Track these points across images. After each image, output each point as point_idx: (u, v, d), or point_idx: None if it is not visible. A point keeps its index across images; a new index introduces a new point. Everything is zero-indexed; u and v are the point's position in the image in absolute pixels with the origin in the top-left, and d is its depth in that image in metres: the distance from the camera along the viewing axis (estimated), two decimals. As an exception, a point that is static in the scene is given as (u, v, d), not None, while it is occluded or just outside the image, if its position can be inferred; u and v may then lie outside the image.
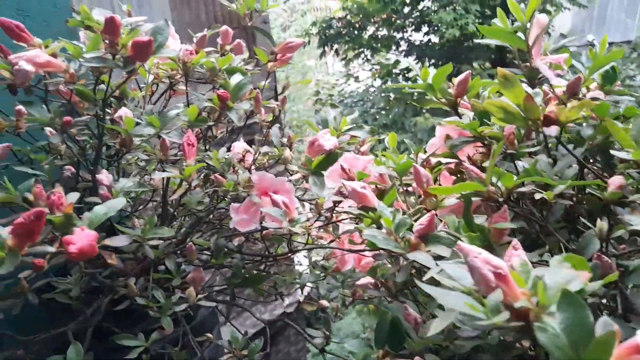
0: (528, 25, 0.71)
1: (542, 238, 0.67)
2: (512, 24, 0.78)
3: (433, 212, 0.58)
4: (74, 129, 0.76)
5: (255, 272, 0.94)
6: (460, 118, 0.86)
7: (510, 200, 0.61)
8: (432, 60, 5.54)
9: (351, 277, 1.12)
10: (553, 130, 0.52)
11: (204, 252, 0.97)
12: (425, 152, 0.94)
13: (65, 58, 0.77)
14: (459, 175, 0.94)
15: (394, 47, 5.59)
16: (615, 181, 0.53)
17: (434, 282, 0.49)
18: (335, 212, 0.97)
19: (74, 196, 0.53)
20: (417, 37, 5.64)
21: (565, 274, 0.38)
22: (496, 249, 0.53)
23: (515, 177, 0.58)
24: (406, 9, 5.43)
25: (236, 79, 0.77)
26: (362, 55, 5.72)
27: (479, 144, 0.87)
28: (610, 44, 8.49)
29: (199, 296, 0.80)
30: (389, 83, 5.69)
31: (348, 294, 1.01)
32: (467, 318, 0.38)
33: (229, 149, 0.92)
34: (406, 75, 5.69)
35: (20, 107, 0.89)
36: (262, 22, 5.11)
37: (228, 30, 0.97)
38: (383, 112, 5.07)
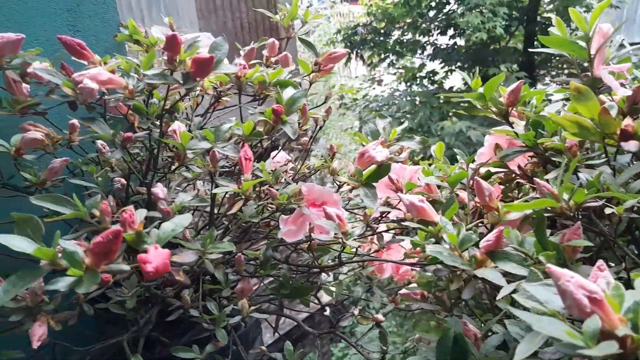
0: (590, 34, 0.69)
1: (611, 250, 0.65)
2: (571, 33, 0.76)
3: (501, 227, 0.57)
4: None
5: (302, 283, 0.94)
6: (512, 127, 0.84)
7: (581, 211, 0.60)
8: (458, 64, 5.49)
9: (388, 287, 1.11)
10: (632, 145, 0.50)
11: (249, 262, 0.98)
12: (473, 160, 0.93)
13: (121, 74, 0.78)
14: (507, 185, 0.93)
15: (419, 51, 5.55)
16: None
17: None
18: (382, 222, 0.96)
19: (142, 213, 0.53)
20: (443, 41, 5.59)
21: (664, 299, 0.36)
22: (571, 267, 0.52)
23: (585, 192, 0.56)
24: (432, 13, 5.38)
25: (289, 92, 0.77)
26: (388, 60, 5.69)
27: (530, 153, 0.85)
28: (638, 43, 8.30)
29: (252, 308, 0.80)
30: (414, 87, 5.65)
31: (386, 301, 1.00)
32: (561, 346, 0.37)
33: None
34: (432, 78, 5.64)
35: (74, 121, 0.91)
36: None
37: (275, 43, 0.97)
38: (409, 115, 5.03)
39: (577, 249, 0.53)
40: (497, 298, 0.49)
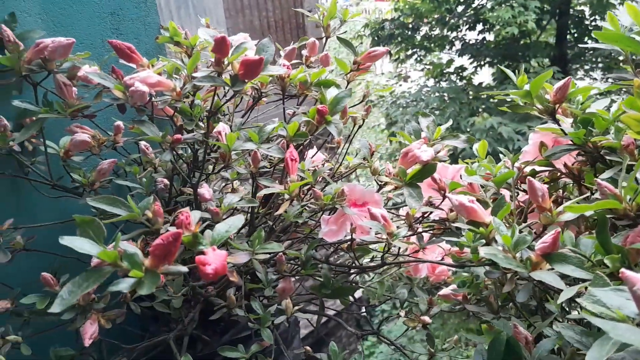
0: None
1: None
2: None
3: (558, 229, 0.55)
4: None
5: (342, 283, 0.93)
6: (559, 125, 0.82)
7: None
8: (487, 59, 5.40)
9: (424, 286, 1.10)
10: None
11: (289, 262, 0.98)
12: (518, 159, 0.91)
13: (166, 76, 0.79)
14: (552, 184, 0.90)
15: (447, 47, 5.48)
16: None
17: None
18: (423, 222, 0.95)
19: (197, 215, 0.54)
20: (472, 36, 5.51)
21: None
22: (636, 270, 0.50)
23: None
24: (460, 8, 5.31)
25: (332, 92, 0.77)
26: (415, 56, 5.64)
27: (576, 152, 0.83)
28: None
29: (296, 307, 0.80)
30: (442, 83, 5.58)
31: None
32: (636, 353, 0.36)
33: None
34: (460, 74, 5.56)
35: (119, 123, 0.92)
36: (315, 27, 5.15)
37: (315, 43, 0.97)
38: (437, 112, 4.98)
39: (640, 252, 0.51)
40: (558, 301, 0.48)
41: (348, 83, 1.09)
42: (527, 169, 0.89)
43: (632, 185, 0.52)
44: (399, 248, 0.85)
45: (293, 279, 0.95)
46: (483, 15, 4.92)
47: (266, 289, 0.88)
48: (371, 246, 0.95)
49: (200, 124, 0.85)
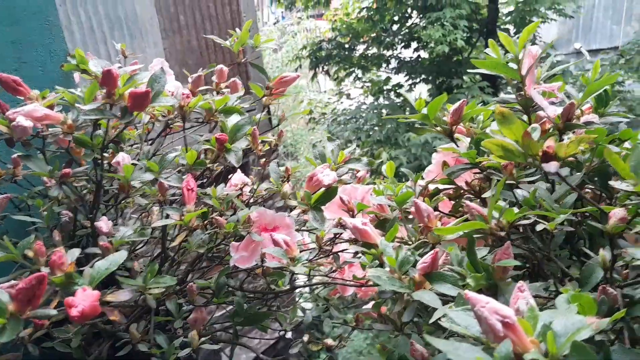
0: (520, 56, 0.72)
1: (545, 264, 0.67)
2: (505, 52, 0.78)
3: (437, 249, 0.58)
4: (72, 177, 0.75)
5: (258, 308, 0.93)
6: (457, 145, 0.86)
7: (513, 228, 0.62)
8: (423, 76, 5.60)
9: (353, 303, 1.11)
10: (552, 167, 0.52)
11: (206, 292, 0.97)
12: (422, 178, 0.94)
13: (63, 106, 0.77)
14: (457, 200, 0.94)
15: (384, 65, 5.64)
16: (617, 214, 0.53)
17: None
18: (336, 242, 0.97)
19: (74, 253, 0.52)
20: (408, 54, 5.70)
21: (574, 320, 0.38)
22: (501, 286, 0.53)
23: (516, 210, 0.58)
24: (395, 27, 5.49)
25: (233, 120, 0.77)
26: (354, 74, 5.77)
27: (477, 170, 0.87)
28: (597, 50, 8.62)
29: (202, 339, 0.79)
30: (381, 100, 5.73)
31: (350, 319, 1.00)
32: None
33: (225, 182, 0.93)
34: (397, 91, 5.73)
35: (15, 155, 0.89)
36: (255, 57, 5.14)
37: (223, 69, 0.98)
38: (376, 128, 5.10)
39: (507, 269, 0.54)
40: (430, 322, 0.50)
41: (264, 107, 1.10)
42: (433, 188, 0.92)
43: (496, 206, 0.55)
44: (309, 271, 0.85)
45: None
46: (417, 34, 5.11)
47: (176, 320, 0.87)
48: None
49: (106, 154, 0.84)
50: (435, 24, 4.67)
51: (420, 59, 5.59)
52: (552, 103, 0.76)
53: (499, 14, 5.34)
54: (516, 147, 0.55)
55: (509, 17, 5.25)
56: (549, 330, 0.37)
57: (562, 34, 8.94)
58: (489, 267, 0.53)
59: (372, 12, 5.27)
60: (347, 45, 5.50)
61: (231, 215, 0.80)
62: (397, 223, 0.68)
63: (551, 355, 0.36)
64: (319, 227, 0.79)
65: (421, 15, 5.12)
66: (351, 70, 5.69)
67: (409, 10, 5.38)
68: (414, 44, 5.50)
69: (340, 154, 0.87)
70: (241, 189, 0.98)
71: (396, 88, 5.65)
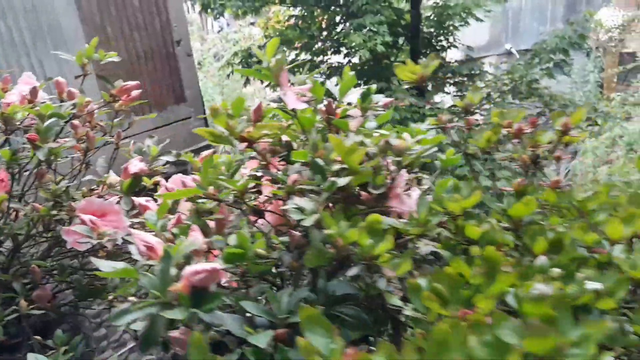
0: (273, 62, 0.90)
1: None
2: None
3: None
4: None
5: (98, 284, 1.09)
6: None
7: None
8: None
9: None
10: (240, 146, 0.71)
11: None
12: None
13: None
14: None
15: (315, 71, 5.85)
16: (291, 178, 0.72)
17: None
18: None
19: None
20: (340, 59, 5.93)
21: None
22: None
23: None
24: (324, 33, 5.72)
25: (47, 123, 0.93)
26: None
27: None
28: (526, 50, 9.15)
29: (32, 307, 0.94)
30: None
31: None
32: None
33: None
34: (331, 95, 5.94)
35: None
36: (187, 55, 5.24)
37: (59, 81, 1.13)
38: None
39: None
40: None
41: (117, 111, 1.26)
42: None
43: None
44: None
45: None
46: (343, 40, 5.35)
47: (19, 298, 1.02)
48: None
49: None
50: (357, 31, 4.92)
51: (351, 64, 5.83)
52: (305, 102, 0.95)
53: (422, 18, 5.66)
54: (222, 132, 0.73)
55: (428, 22, 5.57)
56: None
57: (494, 36, 9.45)
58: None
59: (298, 20, 5.49)
60: (276, 53, 5.69)
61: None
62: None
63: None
64: (128, 210, 0.96)
65: (346, 23, 5.37)
66: (283, 76, 5.87)
67: (337, 17, 5.62)
68: (344, 50, 5.74)
69: (154, 149, 1.04)
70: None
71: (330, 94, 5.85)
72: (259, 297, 0.71)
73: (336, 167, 0.72)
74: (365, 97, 1.04)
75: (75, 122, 1.05)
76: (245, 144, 0.71)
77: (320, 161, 0.72)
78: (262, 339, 0.55)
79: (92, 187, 1.13)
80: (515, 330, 0.41)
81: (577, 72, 7.64)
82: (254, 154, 0.78)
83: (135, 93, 1.25)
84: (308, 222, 0.63)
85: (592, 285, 0.57)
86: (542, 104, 5.79)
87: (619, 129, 5.90)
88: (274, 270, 0.75)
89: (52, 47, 3.53)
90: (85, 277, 1.09)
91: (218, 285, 0.70)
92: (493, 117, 0.87)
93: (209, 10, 5.26)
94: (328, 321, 0.44)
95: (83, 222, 0.92)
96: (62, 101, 1.18)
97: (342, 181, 0.68)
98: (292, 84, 0.97)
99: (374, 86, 1.07)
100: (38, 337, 0.93)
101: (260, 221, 0.81)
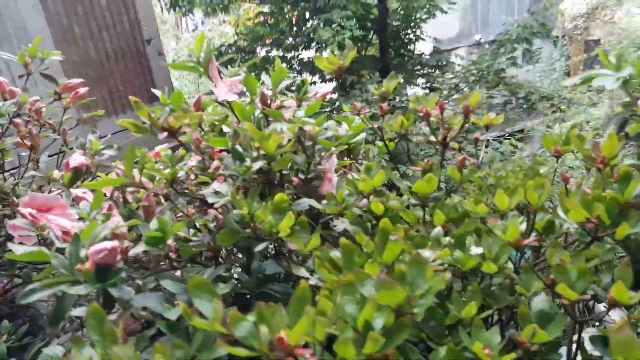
0: (202, 57, 0.94)
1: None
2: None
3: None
4: None
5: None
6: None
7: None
8: (327, 76, 5.89)
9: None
10: (161, 135, 0.75)
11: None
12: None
13: None
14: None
15: (287, 66, 5.88)
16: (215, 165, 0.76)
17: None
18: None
19: None
20: (311, 54, 5.97)
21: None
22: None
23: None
24: (294, 29, 5.75)
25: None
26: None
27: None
28: (493, 41, 9.32)
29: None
30: (289, 100, 5.95)
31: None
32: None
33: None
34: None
35: None
36: (158, 54, 5.21)
37: (2, 81, 1.15)
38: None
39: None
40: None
41: (65, 109, 1.29)
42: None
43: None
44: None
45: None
46: (312, 35, 5.39)
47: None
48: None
49: None
50: (326, 26, 4.96)
51: (321, 59, 5.88)
52: (236, 94, 0.99)
53: (389, 12, 5.72)
54: (146, 125, 0.77)
55: (395, 15, 5.63)
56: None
57: (464, 28, 9.59)
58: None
59: (267, 16, 5.51)
60: (247, 49, 5.70)
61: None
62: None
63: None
64: (69, 202, 0.99)
65: (315, 18, 5.40)
66: (255, 72, 5.89)
67: (306, 13, 5.65)
68: (315, 45, 5.78)
69: (95, 143, 1.07)
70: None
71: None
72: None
73: (254, 153, 0.76)
74: (299, 88, 1.09)
75: (17, 120, 1.08)
76: (166, 133, 0.75)
77: (239, 148, 0.77)
78: (173, 313, 0.59)
79: (41, 185, 1.16)
80: (374, 286, 0.46)
81: (545, 60, 7.82)
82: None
83: (82, 91, 1.28)
84: (220, 203, 0.67)
85: (475, 250, 0.62)
86: (508, 92, 5.92)
87: (585, 114, 6.06)
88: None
89: (17, 47, 3.50)
90: (34, 271, 1.12)
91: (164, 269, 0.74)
92: (411, 103, 0.92)
93: (177, 8, 5.24)
94: (213, 288, 0.48)
95: (22, 215, 0.95)
96: (5, 99, 1.21)
97: (256, 165, 0.73)
98: (223, 76, 1.01)
99: (308, 79, 1.11)
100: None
101: (211, 211, 0.84)
